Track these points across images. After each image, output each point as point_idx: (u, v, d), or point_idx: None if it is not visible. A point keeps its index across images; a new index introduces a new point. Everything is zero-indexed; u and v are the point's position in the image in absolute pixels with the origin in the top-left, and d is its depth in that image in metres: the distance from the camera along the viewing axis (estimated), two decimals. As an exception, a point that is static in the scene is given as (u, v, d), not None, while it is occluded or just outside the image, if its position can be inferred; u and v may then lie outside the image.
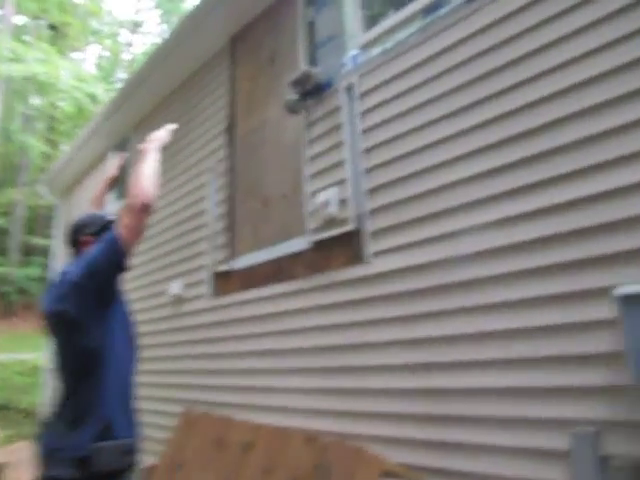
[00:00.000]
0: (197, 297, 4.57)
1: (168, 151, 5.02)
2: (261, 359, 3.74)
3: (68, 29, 22.20)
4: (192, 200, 4.84)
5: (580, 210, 2.25)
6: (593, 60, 2.30)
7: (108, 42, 23.48)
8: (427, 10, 3.10)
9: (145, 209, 2.07)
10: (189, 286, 4.71)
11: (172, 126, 2.62)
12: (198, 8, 4.71)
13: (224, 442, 3.33)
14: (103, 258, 2.03)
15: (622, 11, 2.23)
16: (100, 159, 7.26)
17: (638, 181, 2.10)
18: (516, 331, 2.38)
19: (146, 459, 4.10)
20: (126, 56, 24.23)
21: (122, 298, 2.32)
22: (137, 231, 2.07)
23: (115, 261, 2.05)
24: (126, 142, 6.48)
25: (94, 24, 23.37)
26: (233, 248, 4.26)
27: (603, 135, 2.23)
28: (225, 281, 4.27)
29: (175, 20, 23.01)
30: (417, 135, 2.97)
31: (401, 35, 3.19)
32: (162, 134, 2.50)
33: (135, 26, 24.21)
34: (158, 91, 5.69)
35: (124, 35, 24.55)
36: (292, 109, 3.60)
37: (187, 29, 4.86)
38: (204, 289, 4.48)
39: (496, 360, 2.43)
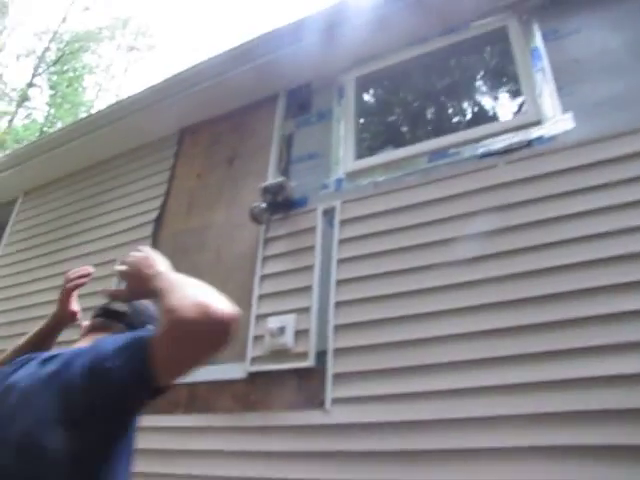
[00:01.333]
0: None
1: (75, 227, 4.37)
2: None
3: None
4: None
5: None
6: None
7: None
8: (433, 154, 2.96)
9: (215, 331, 1.04)
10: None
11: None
12: (147, 93, 4.32)
13: None
14: (121, 361, 1.05)
15: None
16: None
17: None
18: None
19: None
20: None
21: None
22: (187, 364, 1.09)
23: (137, 375, 1.03)
24: (10, 206, 5.59)
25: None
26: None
27: None
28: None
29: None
30: (398, 279, 2.72)
31: (396, 173, 3.01)
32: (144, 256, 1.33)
33: (22, 99, 22.67)
34: (69, 161, 5.01)
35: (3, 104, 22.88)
36: (257, 218, 3.19)
37: (130, 108, 4.40)
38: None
39: None
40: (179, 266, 3.46)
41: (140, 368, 1.02)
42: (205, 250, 3.56)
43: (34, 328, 1.67)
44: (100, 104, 24.14)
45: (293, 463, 2.58)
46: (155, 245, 3.85)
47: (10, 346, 1.61)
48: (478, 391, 2.28)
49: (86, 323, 1.49)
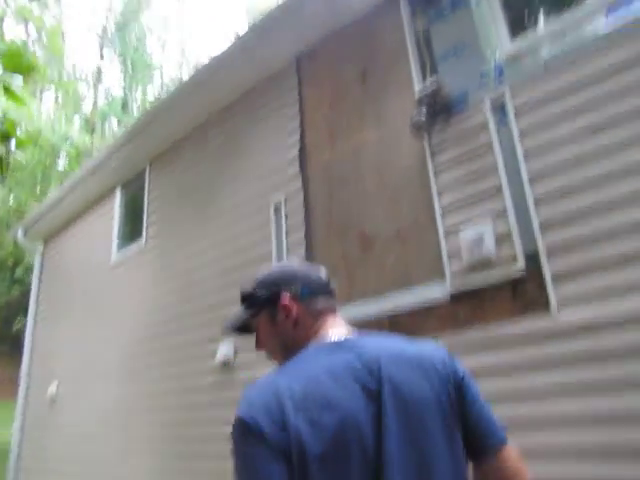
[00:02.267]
0: (259, 362, 3.71)
1: (213, 183, 4.33)
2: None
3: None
4: (249, 242, 4.03)
5: None
6: None
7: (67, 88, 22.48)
8: (611, 8, 2.55)
9: None
10: (245, 350, 3.84)
11: None
12: (256, 27, 4.08)
13: None
14: None
15: None
16: (99, 199, 6.40)
17: None
18: None
19: None
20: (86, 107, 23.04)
21: None
22: None
23: None
24: (140, 177, 5.68)
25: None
26: (315, 300, 3.47)
27: None
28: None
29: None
30: (601, 160, 2.42)
31: (566, 44, 2.64)
32: None
33: (97, 77, 23.24)
34: (186, 119, 4.95)
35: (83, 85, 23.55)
36: (419, 129, 2.96)
37: (243, 46, 4.19)
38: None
39: None
40: (340, 196, 3.38)
41: None
42: (364, 175, 3.40)
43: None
44: (169, 62, 24.31)
45: (521, 374, 2.45)
46: (306, 181, 3.74)
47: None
48: None
49: None
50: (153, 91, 23.37)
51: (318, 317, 1.22)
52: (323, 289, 1.27)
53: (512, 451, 1.13)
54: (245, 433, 0.96)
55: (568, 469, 2.22)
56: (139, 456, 4.56)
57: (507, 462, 1.12)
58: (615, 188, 2.34)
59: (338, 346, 1.14)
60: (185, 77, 4.97)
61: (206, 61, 4.37)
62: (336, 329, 1.21)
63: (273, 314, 1.23)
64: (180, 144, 5.19)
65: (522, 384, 2.43)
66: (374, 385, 1.03)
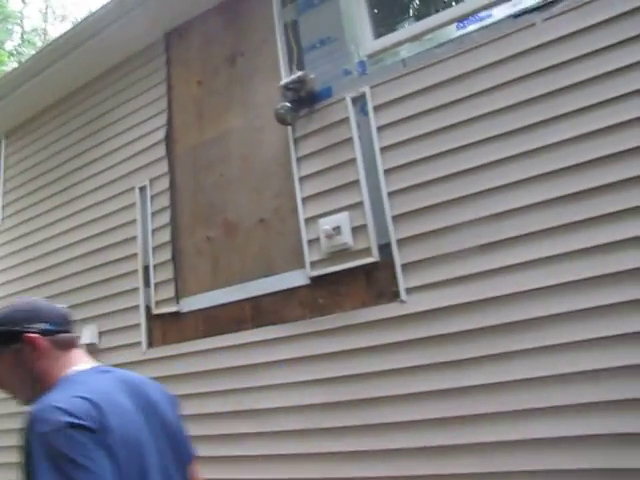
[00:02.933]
0: (124, 347, 3.66)
1: (77, 162, 4.14)
2: (230, 421, 3.02)
3: None
4: (114, 224, 3.92)
5: None
6: None
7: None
8: (461, 20, 2.74)
9: None
10: (109, 333, 3.77)
11: None
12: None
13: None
14: None
15: None
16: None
17: None
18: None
19: None
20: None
21: None
22: None
23: None
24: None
25: None
26: (179, 285, 3.46)
27: None
28: (169, 327, 3.45)
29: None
30: (447, 160, 2.62)
31: (424, 47, 2.80)
32: None
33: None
34: (48, 90, 4.65)
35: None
36: (283, 119, 3.01)
37: (109, 18, 4.01)
38: (135, 336, 3.59)
39: (555, 407, 2.14)
40: (206, 181, 3.38)
41: None
42: (230, 160, 3.40)
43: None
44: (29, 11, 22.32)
45: (372, 357, 2.61)
46: (173, 165, 3.68)
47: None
48: (555, 259, 2.26)
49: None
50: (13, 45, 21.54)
51: (65, 350, 1.37)
52: (66, 324, 1.43)
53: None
54: (73, 432, 1.06)
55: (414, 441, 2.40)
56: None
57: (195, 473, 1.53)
58: (462, 186, 2.52)
59: (101, 370, 1.38)
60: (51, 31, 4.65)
61: (70, 25, 4.11)
62: (85, 359, 1.42)
63: (19, 350, 1.31)
64: (40, 118, 4.88)
65: (379, 367, 2.59)
66: (141, 400, 1.34)
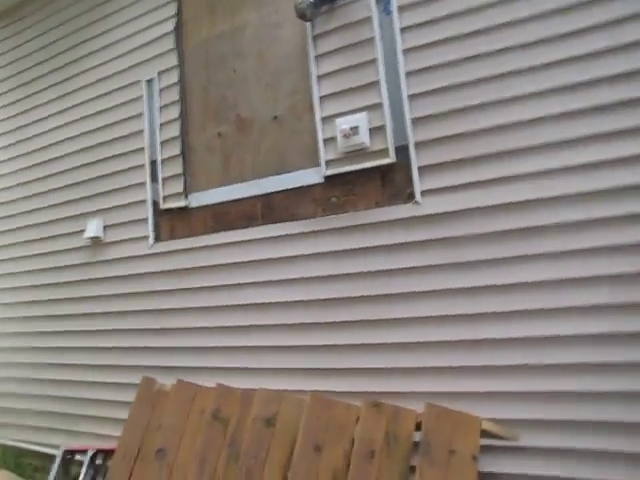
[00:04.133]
0: (130, 240, 3.70)
1: (77, 52, 4.03)
2: (237, 314, 3.14)
3: None
4: (120, 117, 3.86)
5: None
6: None
7: None
8: None
9: None
10: (115, 227, 3.80)
11: None
12: None
13: (225, 417, 2.69)
14: None
15: None
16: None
17: None
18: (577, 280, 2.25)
19: (89, 443, 3.31)
20: None
21: None
22: None
23: None
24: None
25: None
26: (188, 181, 3.48)
27: None
28: (177, 222, 3.49)
29: None
30: (472, 65, 2.60)
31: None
32: None
33: None
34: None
35: None
36: (304, 14, 2.94)
37: None
38: (141, 231, 3.63)
39: (573, 307, 2.26)
40: (218, 76, 3.32)
41: None
42: (244, 56, 3.34)
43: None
44: None
45: (383, 255, 2.70)
46: (182, 58, 3.60)
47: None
48: (568, 170, 2.32)
49: None
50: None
51: None
52: None
53: None
54: None
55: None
56: (9, 336, 4.43)
57: None
58: (483, 92, 2.53)
59: None
60: None
61: None
62: None
63: None
64: (33, 2, 4.66)
65: (390, 265, 2.68)
66: None
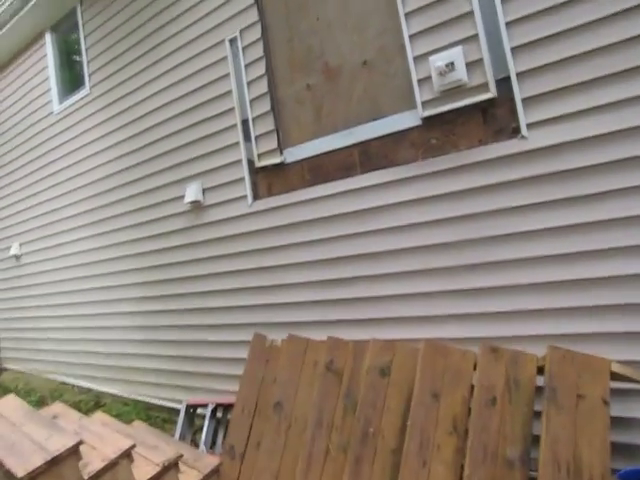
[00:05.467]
0: (228, 202, 3.78)
1: (159, 20, 4.06)
2: (342, 266, 3.15)
3: None
4: (208, 79, 3.90)
5: None
6: None
7: None
8: None
9: None
10: (213, 189, 3.88)
11: None
12: None
13: (338, 368, 2.75)
14: None
15: None
16: (30, 45, 5.93)
17: None
18: None
19: (208, 398, 3.50)
20: None
21: None
22: None
23: None
24: (71, 17, 5.24)
25: None
26: (281, 136, 3.48)
27: None
28: (273, 178, 3.52)
29: None
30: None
31: None
32: None
33: None
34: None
35: None
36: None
37: None
38: (239, 191, 3.69)
39: None
40: (301, 26, 3.26)
41: None
42: (326, 1, 3.25)
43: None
44: None
45: (491, 195, 2.60)
46: (263, 12, 3.55)
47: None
48: None
49: None
50: None
51: None
52: None
53: None
54: None
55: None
56: (120, 305, 4.72)
57: None
58: (584, 12, 2.35)
59: None
60: None
61: None
62: None
63: None
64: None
65: (498, 204, 2.60)
66: None
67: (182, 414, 3.49)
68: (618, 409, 2.20)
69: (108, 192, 4.78)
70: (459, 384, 2.30)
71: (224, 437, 3.27)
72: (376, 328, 2.97)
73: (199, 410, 3.58)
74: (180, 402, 3.68)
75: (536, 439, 2.03)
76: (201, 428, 3.37)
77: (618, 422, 2.20)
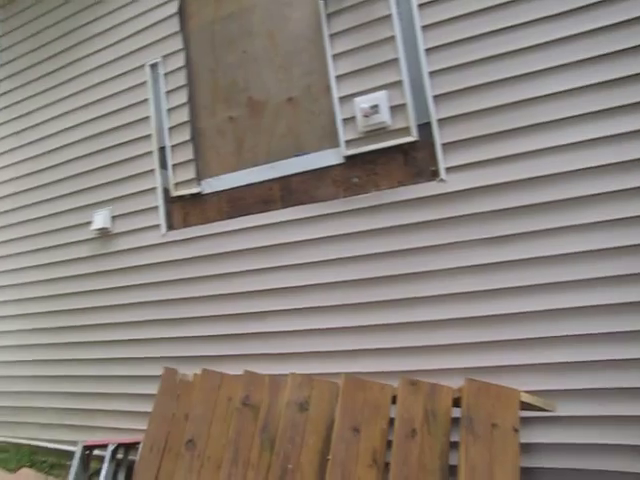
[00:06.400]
0: (140, 230, 3.64)
1: (77, 37, 3.94)
2: (256, 300, 3.11)
3: None
4: (125, 103, 3.78)
5: None
6: None
7: None
8: None
9: None
10: (124, 217, 3.73)
11: None
12: None
13: (255, 403, 2.68)
14: None
15: None
16: None
17: None
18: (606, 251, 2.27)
19: (106, 437, 3.28)
20: None
21: None
22: None
23: None
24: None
25: None
26: (199, 167, 3.43)
27: None
28: (190, 209, 3.44)
29: None
30: (492, 41, 2.59)
31: None
32: None
33: None
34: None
35: None
36: (318, -9, 2.89)
37: None
38: (152, 219, 3.57)
39: (590, 279, 2.29)
40: (227, 59, 3.27)
41: None
42: (254, 37, 3.28)
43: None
44: None
45: (408, 234, 2.69)
46: (188, 40, 3.53)
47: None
48: (583, 144, 2.33)
49: None
50: None
51: None
52: None
53: None
54: None
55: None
56: (20, 335, 4.36)
57: None
58: (505, 67, 2.52)
59: None
60: None
61: None
62: None
63: None
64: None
65: (415, 244, 2.68)
66: None
67: (77, 456, 3.22)
68: (528, 436, 2.31)
69: (7, 213, 4.45)
70: (378, 418, 2.30)
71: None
72: (293, 362, 2.93)
73: (96, 451, 3.33)
74: (72, 444, 3.40)
75: (451, 469, 2.07)
76: (97, 472, 3.12)
77: (528, 448, 2.29)
